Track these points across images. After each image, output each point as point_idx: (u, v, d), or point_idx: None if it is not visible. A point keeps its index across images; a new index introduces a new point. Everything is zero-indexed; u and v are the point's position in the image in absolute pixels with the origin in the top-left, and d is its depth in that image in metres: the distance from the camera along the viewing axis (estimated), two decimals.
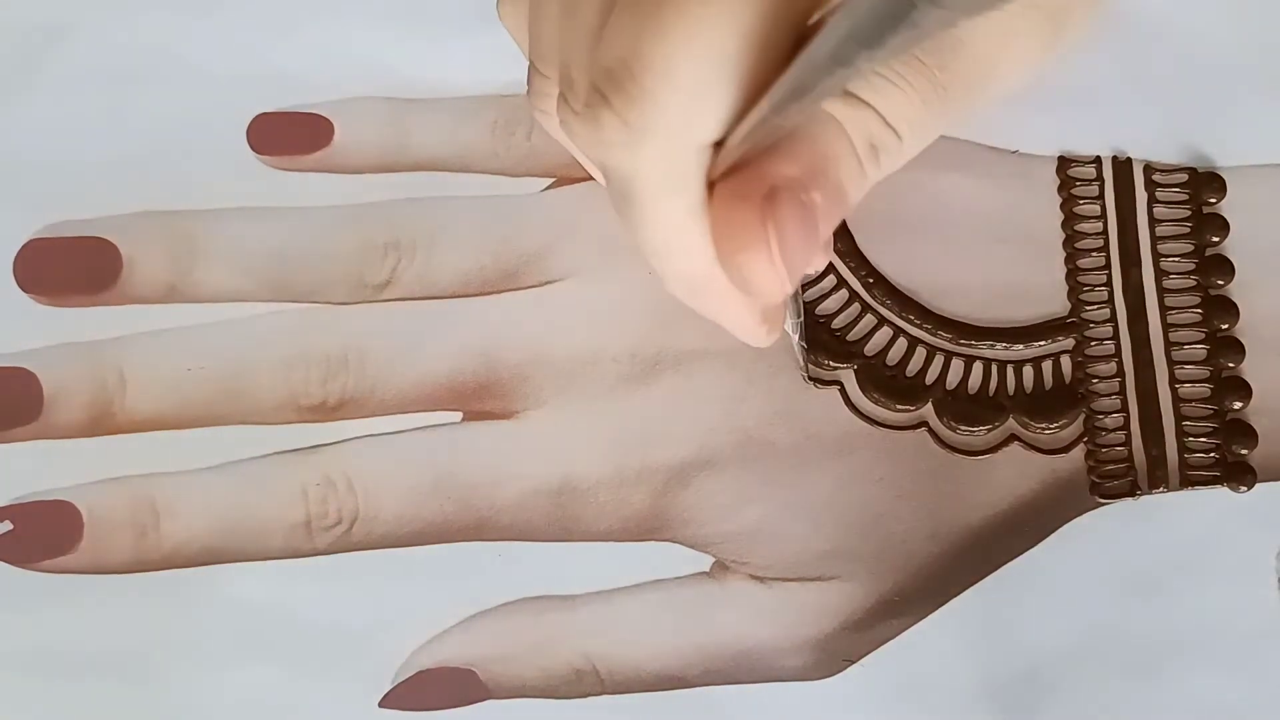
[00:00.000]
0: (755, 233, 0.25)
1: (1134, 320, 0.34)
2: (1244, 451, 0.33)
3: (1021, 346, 0.34)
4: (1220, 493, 0.33)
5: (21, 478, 0.34)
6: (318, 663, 0.33)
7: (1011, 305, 0.34)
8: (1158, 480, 0.33)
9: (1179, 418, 0.33)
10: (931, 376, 0.34)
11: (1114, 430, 0.33)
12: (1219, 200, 0.34)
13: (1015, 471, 0.33)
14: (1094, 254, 0.34)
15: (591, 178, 0.34)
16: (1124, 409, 0.33)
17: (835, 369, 0.34)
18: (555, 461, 0.34)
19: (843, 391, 0.34)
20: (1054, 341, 0.34)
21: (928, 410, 0.33)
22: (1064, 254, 0.34)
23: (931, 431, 0.33)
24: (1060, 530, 0.33)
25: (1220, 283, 0.34)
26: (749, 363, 0.34)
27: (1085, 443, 0.33)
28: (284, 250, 0.35)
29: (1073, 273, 0.34)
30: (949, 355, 0.34)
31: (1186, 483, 0.33)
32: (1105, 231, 0.34)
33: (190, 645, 0.33)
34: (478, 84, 0.35)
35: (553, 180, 0.35)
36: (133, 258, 0.35)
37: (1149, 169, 0.35)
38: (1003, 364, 0.34)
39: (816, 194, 0.25)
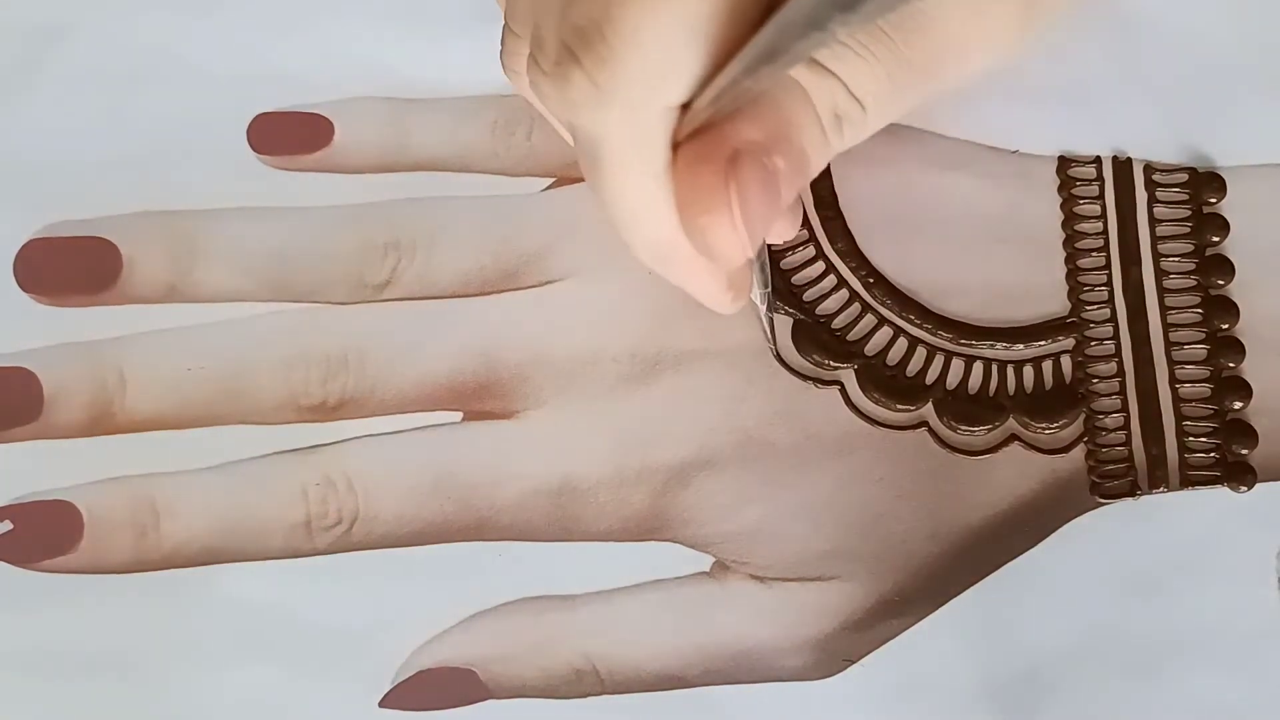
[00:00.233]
0: (717, 195, 0.25)
1: (1134, 320, 0.34)
2: (1244, 451, 0.33)
3: (1021, 346, 0.34)
4: (1220, 493, 0.33)
5: (21, 478, 0.34)
6: (318, 663, 0.33)
7: (1011, 305, 0.34)
8: (1158, 480, 0.33)
9: (1179, 417, 0.33)
10: (932, 376, 0.34)
11: (1114, 430, 0.33)
12: (1219, 200, 0.34)
13: (1015, 471, 0.33)
14: (1094, 254, 0.34)
15: None
16: (1124, 409, 0.33)
17: (835, 369, 0.34)
18: (555, 461, 0.34)
19: (843, 391, 0.34)
20: (1054, 341, 0.34)
21: (928, 410, 0.33)
22: (1064, 254, 0.34)
23: (932, 431, 0.33)
24: (1060, 530, 0.33)
25: (1220, 282, 0.34)
26: (749, 363, 0.34)
27: (1085, 442, 0.33)
28: (284, 250, 0.35)
29: (1073, 272, 0.34)
30: (949, 355, 0.34)
31: (1187, 483, 0.33)
32: (1105, 231, 0.34)
33: (190, 645, 0.33)
34: (478, 84, 0.35)
35: (553, 180, 0.35)
36: (133, 258, 0.35)
37: (1149, 169, 0.35)
38: (1003, 364, 0.34)
39: (779, 159, 0.26)
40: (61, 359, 0.34)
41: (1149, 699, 0.32)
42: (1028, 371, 0.34)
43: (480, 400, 0.34)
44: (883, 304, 0.34)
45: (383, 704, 0.33)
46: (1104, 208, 0.34)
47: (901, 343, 0.34)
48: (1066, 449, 0.33)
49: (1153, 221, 0.34)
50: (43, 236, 0.35)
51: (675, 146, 0.25)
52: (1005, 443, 0.33)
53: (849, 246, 0.34)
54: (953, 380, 0.34)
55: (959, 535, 0.33)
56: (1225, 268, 0.34)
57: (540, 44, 0.25)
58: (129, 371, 0.34)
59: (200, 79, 0.36)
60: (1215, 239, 0.34)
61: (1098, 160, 0.35)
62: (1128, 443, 0.33)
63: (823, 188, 0.35)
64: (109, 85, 0.36)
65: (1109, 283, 0.34)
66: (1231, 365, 0.34)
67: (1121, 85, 0.35)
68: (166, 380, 0.34)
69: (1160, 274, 0.34)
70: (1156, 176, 0.35)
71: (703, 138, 0.25)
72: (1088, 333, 0.34)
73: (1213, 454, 0.33)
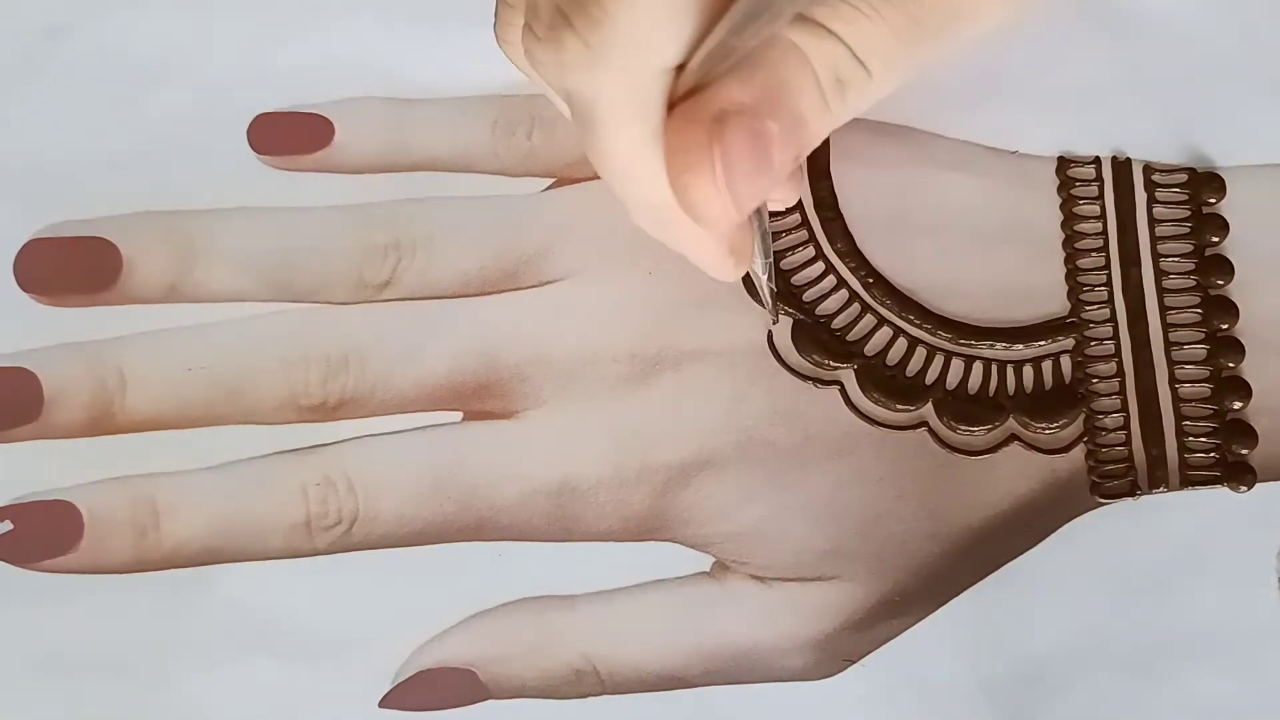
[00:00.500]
0: (701, 155, 0.25)
1: (1134, 320, 0.34)
2: (1244, 451, 0.33)
3: (1021, 346, 0.34)
4: (1220, 493, 0.33)
5: (21, 478, 0.34)
6: (318, 663, 0.33)
7: (1011, 305, 0.34)
8: (1158, 480, 0.33)
9: (1179, 418, 0.33)
10: (931, 376, 0.34)
11: (1114, 430, 0.33)
12: (1218, 200, 0.34)
13: (1015, 471, 0.33)
14: (1094, 254, 0.34)
15: (592, 177, 0.34)
16: (1124, 409, 0.33)
17: (835, 369, 0.34)
18: (555, 461, 0.34)
19: (843, 391, 0.34)
20: (1054, 341, 0.34)
21: (928, 410, 0.34)
22: (1064, 254, 0.34)
23: (931, 431, 0.33)
24: (1060, 530, 0.33)
25: (1220, 283, 0.34)
26: (749, 363, 0.34)
27: (1085, 442, 0.33)
28: (284, 250, 0.35)
29: (1072, 273, 0.34)
30: (949, 355, 0.34)
31: (1186, 483, 0.33)
32: (1105, 232, 0.34)
33: (190, 645, 0.33)
34: (478, 84, 0.35)
35: (553, 180, 0.35)
36: (133, 258, 0.35)
37: (1148, 169, 0.35)
38: (1003, 364, 0.34)
39: (772, 122, 0.26)
40: (61, 359, 0.34)
41: (1149, 699, 0.32)
42: (1027, 372, 0.34)
43: (480, 400, 0.34)
44: (882, 304, 0.34)
45: (383, 704, 0.33)
46: (1103, 208, 0.34)
47: (901, 343, 0.34)
48: (1066, 449, 0.33)
49: (1152, 222, 0.34)
50: (43, 236, 0.35)
51: (671, 108, 0.26)
52: (1005, 443, 0.33)
53: (849, 247, 0.34)
54: (952, 380, 0.34)
55: (959, 535, 0.33)
56: (1225, 268, 0.34)
57: (534, 10, 0.25)
58: (129, 371, 0.34)
59: (200, 79, 0.36)
60: (1215, 239, 0.34)
61: (1097, 160, 0.35)
62: (1128, 443, 0.33)
63: (823, 188, 0.35)
64: (109, 85, 0.36)
65: (1109, 283, 0.34)
66: (1231, 365, 0.34)
67: (1121, 85, 0.35)
68: (166, 380, 0.34)
69: (1160, 274, 0.34)
70: (1156, 177, 0.35)
71: (694, 98, 0.25)
72: (1087, 333, 0.34)
73: (1212, 454, 0.33)
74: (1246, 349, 0.34)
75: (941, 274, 0.34)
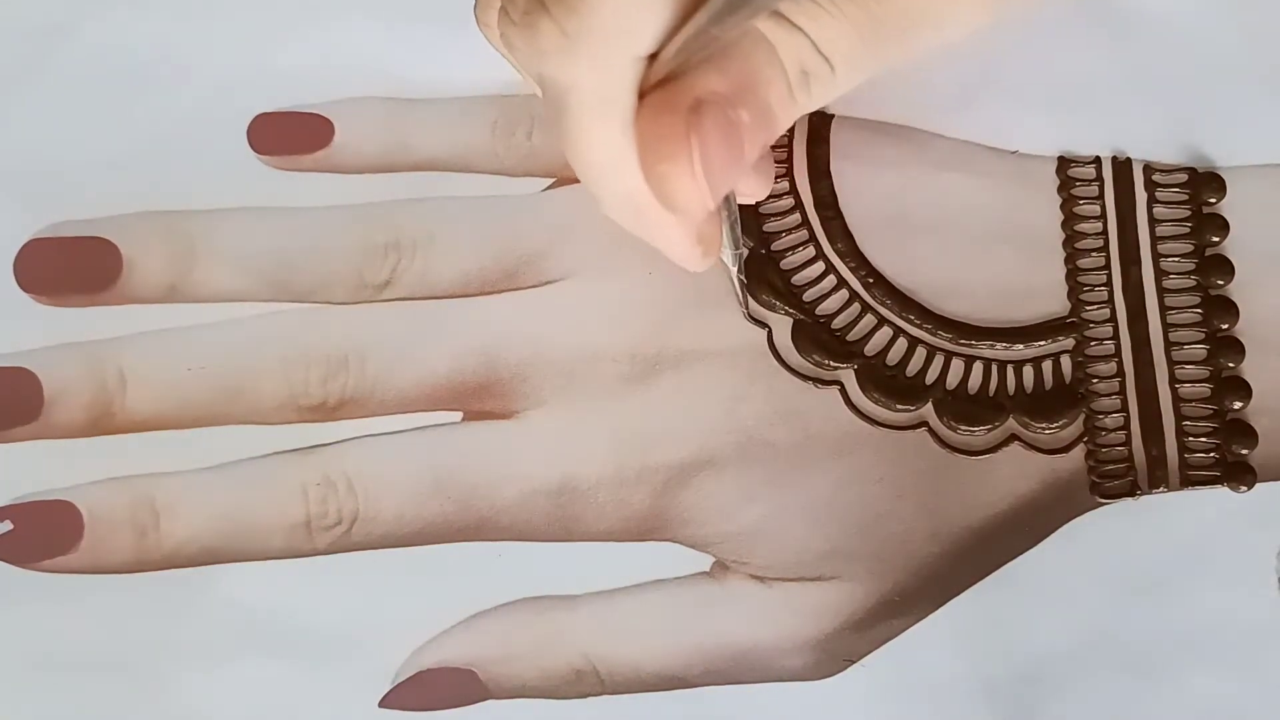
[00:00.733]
0: (678, 144, 0.26)
1: (1134, 320, 0.34)
2: (1244, 451, 0.33)
3: (1021, 346, 0.34)
4: (1220, 492, 0.33)
5: (21, 478, 0.34)
6: (318, 663, 0.33)
7: (1011, 305, 0.34)
8: (1158, 480, 0.33)
9: (1179, 417, 0.33)
10: (932, 376, 0.34)
11: (1114, 430, 0.33)
12: (1219, 200, 0.34)
13: (1015, 471, 0.33)
14: (1094, 254, 0.34)
15: None
16: (1124, 409, 0.33)
17: (835, 369, 0.34)
18: (555, 461, 0.34)
19: (843, 391, 0.34)
20: (1054, 341, 0.34)
21: (928, 410, 0.33)
22: (1064, 254, 0.34)
23: (932, 431, 0.33)
24: (1060, 530, 0.33)
25: (1220, 283, 0.34)
26: (749, 363, 0.34)
27: (1085, 442, 0.33)
28: (284, 250, 0.35)
29: (1073, 273, 0.34)
30: (949, 355, 0.34)
31: (1187, 482, 0.33)
32: (1105, 231, 0.34)
33: (190, 645, 0.33)
34: (478, 84, 0.35)
35: (553, 180, 0.35)
36: (133, 258, 0.35)
37: (1149, 169, 0.35)
38: (1003, 364, 0.34)
39: (744, 112, 0.26)
40: (61, 359, 0.34)
41: (1149, 699, 0.32)
42: (1028, 371, 0.34)
43: (480, 400, 0.34)
44: (883, 304, 0.34)
45: (383, 704, 0.33)
46: (1104, 208, 0.34)
47: (901, 343, 0.34)
48: (1066, 449, 0.33)
49: (1152, 221, 0.34)
50: (43, 236, 0.35)
51: (642, 97, 0.26)
52: (1005, 443, 0.33)
53: (849, 246, 0.34)
54: (953, 380, 0.34)
55: (959, 535, 0.33)
56: (1225, 268, 0.34)
57: None
58: (129, 371, 0.34)
59: (200, 79, 0.36)
60: (1215, 239, 0.34)
61: (1097, 160, 0.35)
62: (1128, 443, 0.33)
63: (823, 188, 0.35)
64: (109, 85, 0.36)
65: (1109, 283, 0.34)
66: (1231, 365, 0.34)
67: (1121, 85, 0.35)
68: (166, 380, 0.34)
69: (1160, 274, 0.34)
70: (1156, 177, 0.35)
71: (667, 87, 0.26)
72: (1087, 333, 0.34)
73: (1213, 454, 0.33)
74: (1247, 349, 0.34)
75: (942, 274, 0.34)
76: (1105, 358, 0.34)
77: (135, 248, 0.35)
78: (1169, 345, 0.34)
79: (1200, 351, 0.34)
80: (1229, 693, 0.32)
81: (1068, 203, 0.34)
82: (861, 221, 0.34)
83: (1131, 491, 0.33)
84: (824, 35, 0.27)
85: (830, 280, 0.34)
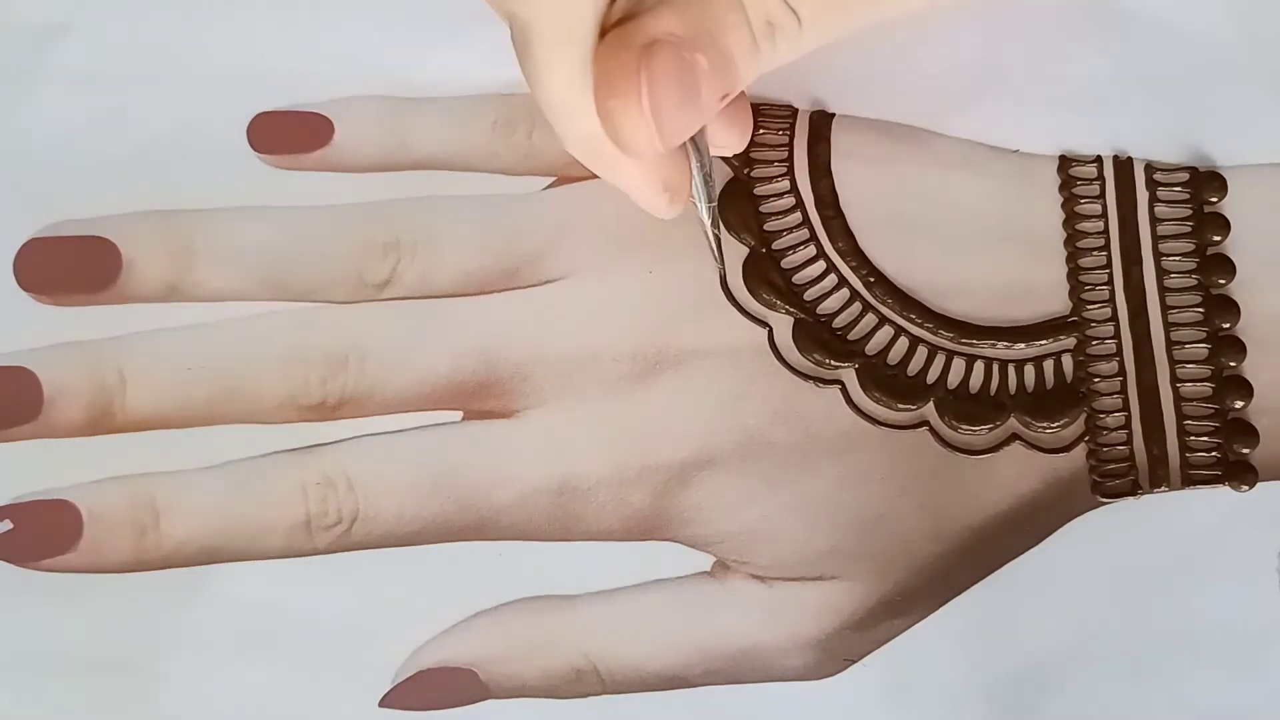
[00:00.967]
0: (628, 81, 0.26)
1: (1135, 319, 0.34)
2: (1245, 450, 0.33)
3: (1023, 345, 0.34)
4: (1221, 492, 0.33)
5: (21, 477, 0.34)
6: (318, 663, 0.33)
7: (1013, 304, 0.34)
8: (1159, 479, 0.33)
9: (1180, 417, 0.33)
10: (933, 376, 0.34)
11: (1115, 429, 0.33)
12: (1220, 200, 0.34)
13: (1016, 471, 0.33)
14: (1095, 253, 0.34)
15: (592, 176, 0.34)
16: (1125, 408, 0.33)
17: (836, 368, 0.34)
18: (555, 461, 0.33)
19: (844, 391, 0.34)
20: (1055, 341, 0.34)
21: (929, 409, 0.33)
22: (1065, 253, 0.34)
23: (933, 431, 0.33)
24: (1061, 530, 0.33)
25: (1222, 282, 0.34)
26: (749, 362, 0.34)
27: (1086, 442, 0.33)
28: (284, 250, 0.35)
29: (1074, 272, 0.34)
30: (950, 354, 0.34)
31: (1188, 482, 0.33)
32: (1106, 231, 0.34)
33: (190, 645, 0.33)
34: (478, 84, 0.35)
35: (553, 180, 0.35)
36: (133, 258, 0.35)
37: (1150, 168, 0.35)
38: (1004, 363, 0.34)
39: (701, 56, 0.26)
40: (61, 359, 0.34)
41: (1149, 699, 0.32)
42: (1029, 371, 0.34)
43: (480, 400, 0.34)
44: (884, 303, 0.34)
45: (383, 704, 0.33)
46: (1105, 207, 0.34)
47: (902, 342, 0.34)
48: (1068, 448, 0.33)
49: (1154, 221, 0.34)
50: (43, 236, 0.35)
51: (604, 35, 0.26)
52: (1006, 442, 0.33)
53: (850, 246, 0.34)
54: (954, 379, 0.34)
55: (960, 535, 0.33)
56: (1226, 267, 0.34)
57: None
58: (129, 371, 0.34)
59: (200, 79, 0.36)
60: (1216, 238, 0.34)
61: (1099, 160, 0.35)
62: (1129, 442, 0.33)
63: (824, 187, 0.35)
64: (109, 85, 0.36)
65: (1110, 282, 0.34)
66: (1233, 364, 0.33)
67: (1121, 85, 0.35)
68: (166, 380, 0.34)
69: (1161, 273, 0.34)
70: (1157, 176, 0.35)
71: (626, 25, 0.26)
72: (1089, 332, 0.34)
73: (1214, 453, 0.33)
74: (1248, 348, 0.34)
75: (943, 273, 0.34)
76: (1106, 357, 0.34)
77: (135, 248, 0.35)
78: (1170, 344, 0.34)
79: (1202, 351, 0.34)
80: (1229, 693, 0.32)
81: (1069, 202, 0.34)
82: (862, 220, 0.34)
83: (1133, 491, 0.33)
84: None
85: (831, 279, 0.34)
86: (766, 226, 0.35)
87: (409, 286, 0.34)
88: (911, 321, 0.34)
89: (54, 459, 0.34)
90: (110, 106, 0.36)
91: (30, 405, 0.34)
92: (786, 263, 0.34)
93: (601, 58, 0.26)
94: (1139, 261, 0.34)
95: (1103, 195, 0.34)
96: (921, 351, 0.34)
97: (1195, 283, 0.34)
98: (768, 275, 0.34)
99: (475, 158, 0.35)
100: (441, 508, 0.33)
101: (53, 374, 0.34)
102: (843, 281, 0.34)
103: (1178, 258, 0.34)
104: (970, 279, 0.34)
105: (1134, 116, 0.35)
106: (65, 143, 0.35)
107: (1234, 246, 0.34)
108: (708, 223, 0.32)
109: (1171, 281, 0.34)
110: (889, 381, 0.34)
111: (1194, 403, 0.33)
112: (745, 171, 0.35)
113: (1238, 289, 0.34)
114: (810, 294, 0.34)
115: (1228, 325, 0.34)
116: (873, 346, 0.34)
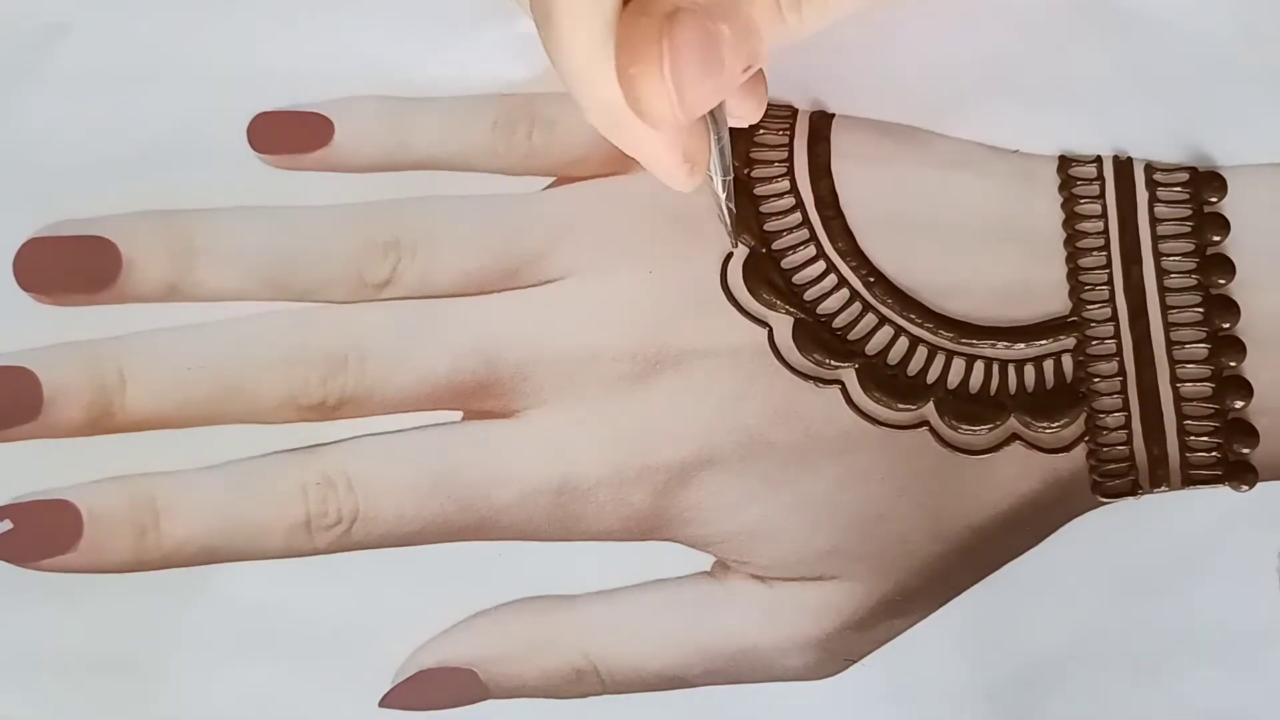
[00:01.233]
0: (650, 49, 0.25)
1: (1135, 319, 0.34)
2: (1245, 450, 0.33)
3: (1023, 345, 0.34)
4: (1222, 492, 0.33)
5: (21, 477, 0.34)
6: (318, 662, 0.33)
7: (1013, 304, 0.34)
8: (1159, 479, 0.33)
9: (1180, 417, 0.33)
10: (933, 376, 0.34)
11: (1115, 429, 0.33)
12: (1220, 200, 0.34)
13: (1016, 471, 0.33)
14: (1095, 253, 0.34)
15: (592, 176, 0.34)
16: (1125, 408, 0.33)
17: (836, 368, 0.34)
18: (555, 461, 0.33)
19: (844, 391, 0.34)
20: (1055, 340, 0.34)
21: (929, 409, 0.33)
22: (1065, 253, 0.34)
23: (933, 431, 0.33)
24: (1061, 530, 0.33)
25: (1221, 282, 0.34)
26: (749, 362, 0.34)
27: (1086, 442, 0.33)
28: (284, 250, 0.35)
29: (1074, 272, 0.34)
30: (950, 354, 0.34)
31: (1188, 482, 0.33)
32: (1106, 231, 0.34)
33: (190, 645, 0.33)
34: (478, 84, 0.35)
35: (553, 180, 0.35)
36: (133, 258, 0.35)
37: (1150, 168, 0.35)
38: (1004, 363, 0.34)
39: (724, 25, 0.26)
40: (61, 359, 0.34)
41: (1149, 699, 0.32)
42: (1029, 371, 0.34)
43: (480, 400, 0.34)
44: (884, 303, 0.34)
45: (383, 704, 0.33)
46: (1105, 207, 0.34)
47: (902, 342, 0.34)
48: (1068, 448, 0.33)
49: (1154, 221, 0.34)
50: (43, 236, 0.35)
51: (626, 3, 0.26)
52: (1006, 442, 0.33)
53: (850, 246, 0.34)
54: (954, 379, 0.34)
55: (960, 535, 0.33)
56: (1226, 267, 0.34)
57: None
58: (129, 371, 0.34)
59: (200, 79, 0.36)
60: (1216, 238, 0.34)
61: (1098, 160, 0.35)
62: (1129, 442, 0.33)
63: (824, 187, 0.35)
64: (109, 85, 0.36)
65: (1110, 282, 0.34)
66: (1233, 364, 0.33)
67: (1121, 85, 0.35)
68: (166, 380, 0.34)
69: (1161, 273, 0.34)
70: (1157, 176, 0.35)
71: None
72: (1089, 332, 0.34)
73: (1214, 453, 0.33)
74: (1248, 348, 0.34)
75: (942, 273, 0.34)
76: (1106, 357, 0.34)
77: (135, 247, 0.35)
78: (1170, 344, 0.34)
79: (1201, 351, 0.34)
80: (1229, 693, 0.32)
81: (1069, 202, 0.34)
82: (862, 220, 0.34)
83: (1133, 491, 0.33)
84: None
85: (831, 279, 0.34)
86: (766, 226, 0.35)
87: (409, 286, 0.34)
88: (911, 321, 0.34)
89: (54, 459, 0.34)
90: (110, 106, 0.36)
91: (30, 405, 0.34)
92: (786, 263, 0.34)
93: (623, 25, 0.26)
94: (1139, 261, 0.34)
95: (1103, 195, 0.35)
96: (921, 351, 0.34)
97: (1195, 283, 0.34)
98: (768, 275, 0.34)
99: (475, 158, 0.35)
100: (441, 508, 0.33)
101: (52, 374, 0.34)
102: (843, 281, 0.34)
103: (1178, 258, 0.34)
104: (970, 279, 0.34)
105: (1134, 116, 0.35)
106: (65, 143, 0.35)
107: (1234, 246, 0.34)
108: (723, 196, 0.32)
109: (1171, 281, 0.34)
110: (889, 381, 0.34)
111: (1194, 403, 0.33)
112: (745, 171, 0.35)
113: (1238, 289, 0.34)
114: (810, 294, 0.34)
115: (1228, 325, 0.34)
116: (873, 346, 0.34)
